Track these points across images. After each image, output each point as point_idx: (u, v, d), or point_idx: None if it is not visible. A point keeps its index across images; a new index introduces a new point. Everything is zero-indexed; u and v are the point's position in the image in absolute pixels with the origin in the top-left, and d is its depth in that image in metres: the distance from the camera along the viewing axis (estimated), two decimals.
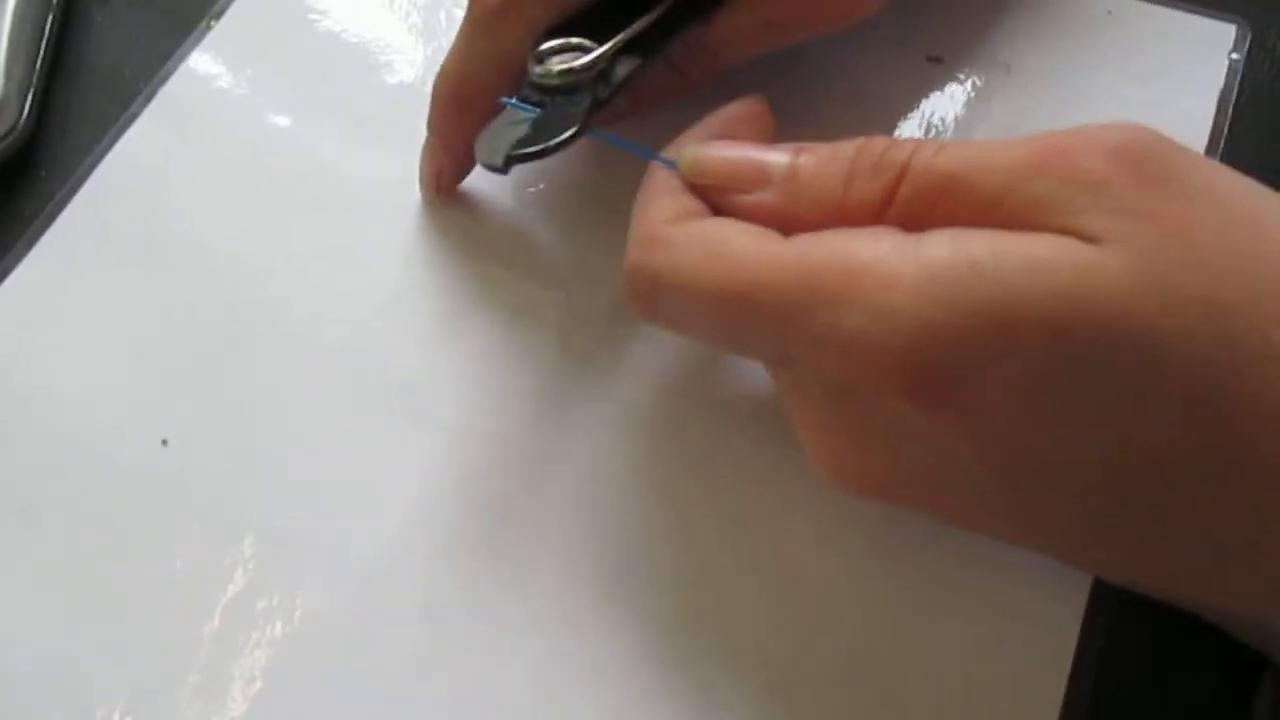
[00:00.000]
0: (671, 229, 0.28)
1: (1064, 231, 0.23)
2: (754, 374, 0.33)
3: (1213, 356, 0.23)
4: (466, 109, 0.34)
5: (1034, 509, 0.26)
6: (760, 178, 0.28)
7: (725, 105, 0.31)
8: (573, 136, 0.30)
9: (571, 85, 0.31)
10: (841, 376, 0.25)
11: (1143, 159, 0.24)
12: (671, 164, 0.30)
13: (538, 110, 0.31)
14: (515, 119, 0.31)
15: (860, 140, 0.27)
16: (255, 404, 0.34)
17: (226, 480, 0.33)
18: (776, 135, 0.30)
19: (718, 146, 0.29)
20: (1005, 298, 0.23)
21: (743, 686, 0.30)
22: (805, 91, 0.34)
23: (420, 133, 0.37)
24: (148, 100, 0.41)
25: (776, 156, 0.28)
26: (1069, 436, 0.24)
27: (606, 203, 0.37)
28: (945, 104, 0.38)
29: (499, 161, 0.30)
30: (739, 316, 0.26)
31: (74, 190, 0.39)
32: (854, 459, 0.27)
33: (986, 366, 0.23)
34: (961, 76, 0.38)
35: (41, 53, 0.43)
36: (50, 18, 0.44)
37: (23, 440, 0.34)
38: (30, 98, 0.42)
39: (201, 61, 0.42)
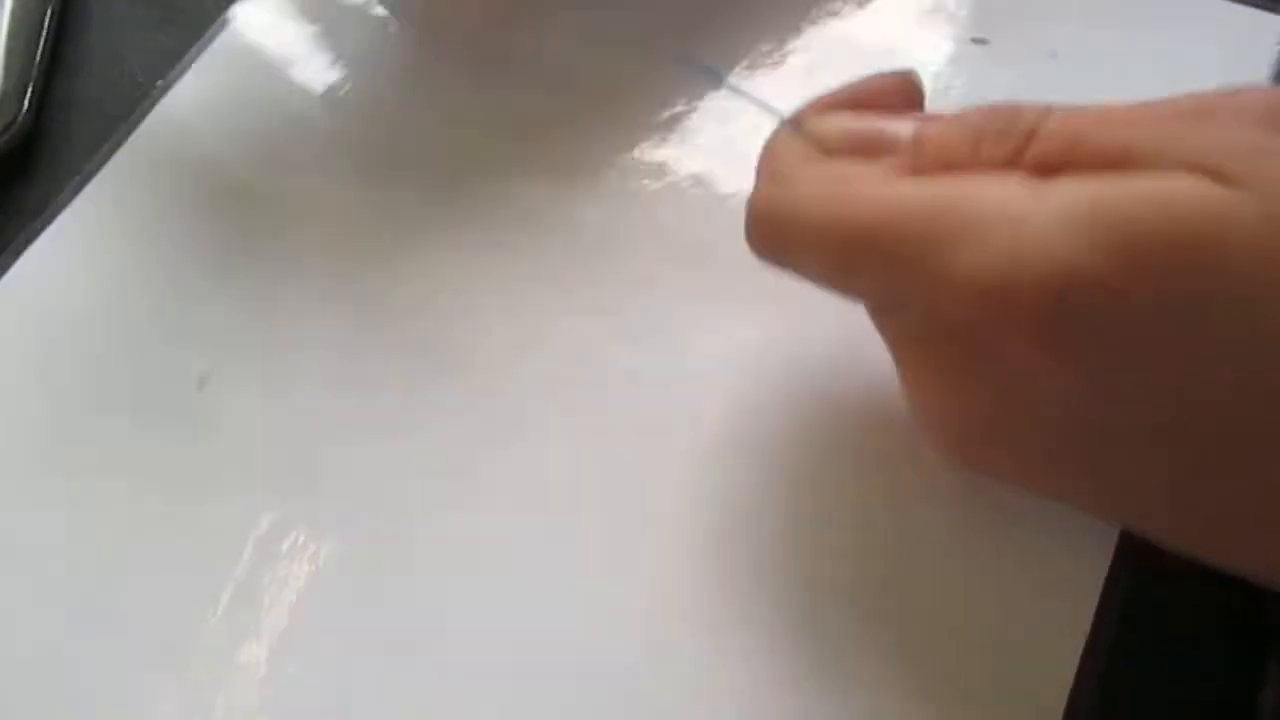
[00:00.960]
0: (800, 166, 0.28)
1: (1198, 170, 0.22)
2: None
3: None
4: None
5: (1131, 466, 0.25)
6: (885, 147, 0.27)
7: (868, 76, 0.30)
8: None
9: None
10: (959, 316, 0.25)
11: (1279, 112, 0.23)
12: (793, 131, 0.29)
13: None
14: None
15: (985, 107, 0.27)
16: (290, 349, 0.36)
17: (260, 419, 0.34)
18: None
19: (842, 118, 0.29)
20: (1137, 239, 0.22)
21: (762, 620, 0.30)
22: (844, 67, 0.33)
23: None
24: (200, 52, 0.42)
25: (901, 126, 0.27)
26: (1182, 387, 0.23)
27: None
28: (988, 87, 0.37)
29: None
30: (859, 253, 0.26)
31: (125, 137, 0.40)
32: (956, 409, 0.27)
33: (1111, 310, 0.23)
34: (1006, 60, 0.37)
35: (41, 47, 0.43)
36: (49, 12, 0.44)
37: (67, 372, 0.36)
38: (30, 92, 0.42)
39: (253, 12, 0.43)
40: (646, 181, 0.37)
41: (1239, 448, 0.24)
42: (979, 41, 0.37)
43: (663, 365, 0.34)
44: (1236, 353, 0.22)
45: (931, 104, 0.36)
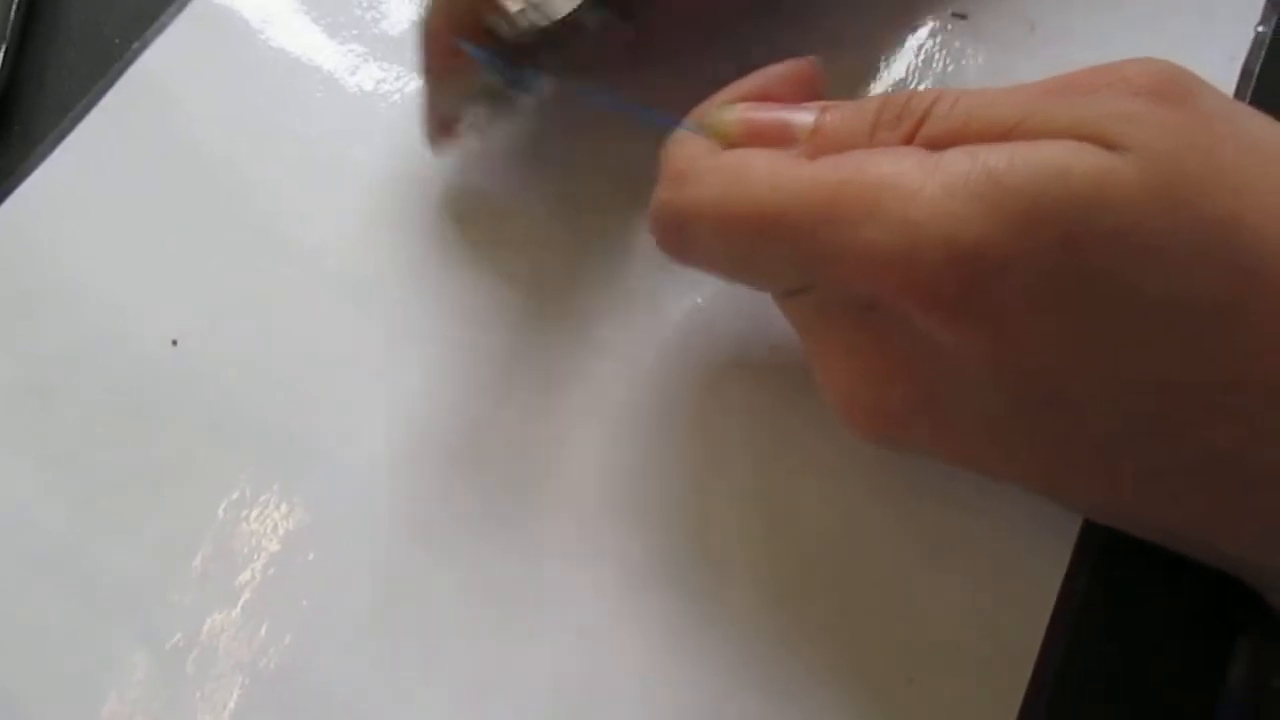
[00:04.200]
0: (698, 163, 0.28)
1: (1081, 138, 0.23)
2: (763, 319, 0.33)
3: (1227, 276, 0.22)
4: (466, 29, 0.33)
5: (1042, 436, 0.25)
6: (785, 136, 0.28)
7: (768, 66, 0.30)
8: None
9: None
10: (861, 292, 0.25)
11: (1162, 83, 0.24)
12: (695, 130, 0.30)
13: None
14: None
15: (883, 95, 0.27)
16: (263, 312, 0.35)
17: (232, 381, 0.34)
18: None
19: (741, 109, 0.29)
20: (1022, 206, 0.23)
21: (731, 610, 0.30)
22: (823, 43, 0.33)
23: None
24: (176, 14, 0.41)
25: (801, 116, 0.28)
26: (1080, 352, 0.23)
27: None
28: (968, 60, 0.37)
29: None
30: (762, 240, 0.27)
31: (98, 97, 0.40)
32: (866, 387, 0.27)
33: (1004, 277, 0.23)
34: (986, 33, 0.37)
35: (15, 7, 0.42)
36: None
37: (39, 331, 0.36)
38: (3, 54, 0.41)
39: None
40: None
41: (1136, 414, 0.24)
42: (959, 16, 0.37)
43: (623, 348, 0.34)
44: (1123, 315, 0.23)
45: (913, 79, 0.37)
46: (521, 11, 0.30)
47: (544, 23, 0.30)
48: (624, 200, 0.36)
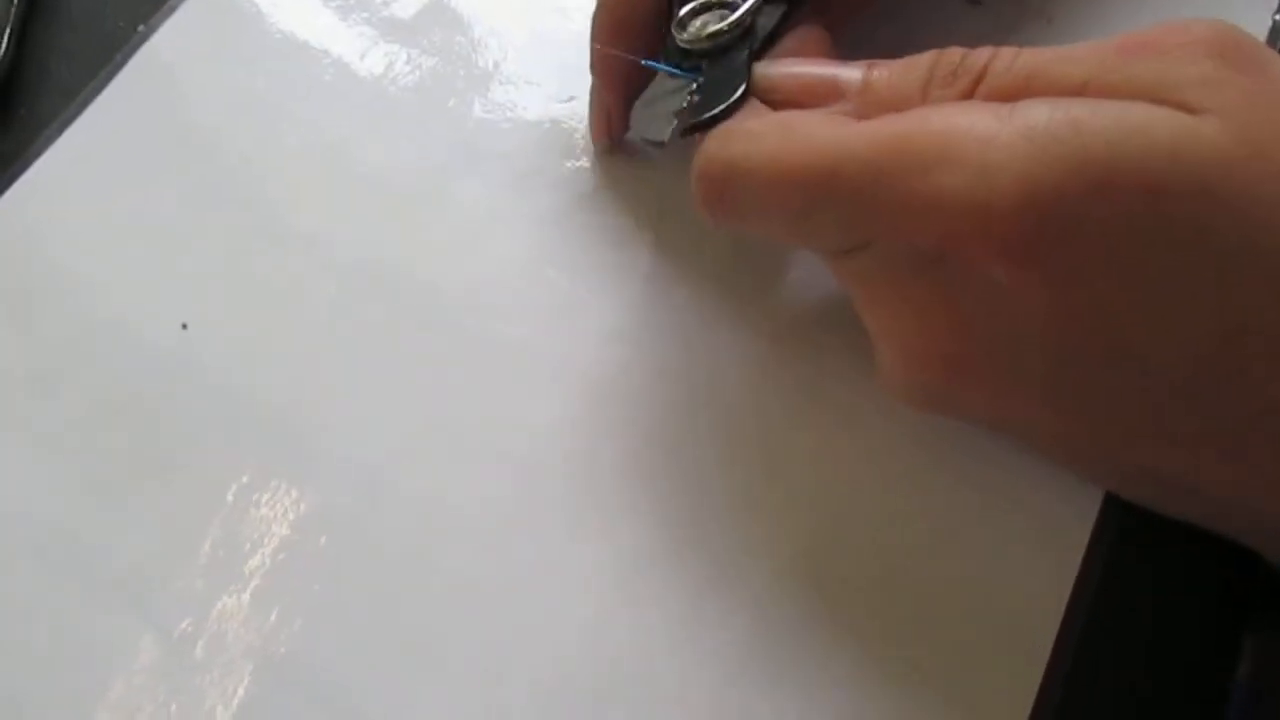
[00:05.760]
0: (745, 120, 0.28)
1: (1159, 100, 0.23)
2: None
3: None
4: (632, 38, 0.33)
5: (1102, 392, 0.25)
6: (833, 92, 0.28)
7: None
8: (742, 97, 0.29)
9: (721, 46, 0.30)
10: (927, 244, 0.25)
11: (1229, 46, 0.24)
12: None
13: (691, 75, 0.31)
14: (668, 87, 0.31)
15: (934, 51, 0.27)
16: (272, 299, 0.35)
17: (241, 366, 0.34)
18: None
19: (787, 63, 0.29)
20: (1106, 154, 0.22)
21: (742, 590, 0.30)
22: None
23: (447, 41, 0.39)
24: None
25: (849, 71, 0.28)
26: (1156, 305, 0.23)
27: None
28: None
29: (664, 136, 0.30)
30: (820, 196, 0.26)
31: (106, 82, 0.39)
32: (921, 344, 0.27)
33: (1082, 224, 0.23)
34: (1000, 22, 0.37)
35: None
36: None
37: (45, 317, 0.35)
38: (7, 35, 0.41)
39: None
40: None
41: (1202, 364, 0.24)
42: (973, 1, 0.37)
43: (639, 322, 0.34)
44: (1200, 277, 0.23)
45: None
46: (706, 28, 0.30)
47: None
48: (628, 187, 0.36)
